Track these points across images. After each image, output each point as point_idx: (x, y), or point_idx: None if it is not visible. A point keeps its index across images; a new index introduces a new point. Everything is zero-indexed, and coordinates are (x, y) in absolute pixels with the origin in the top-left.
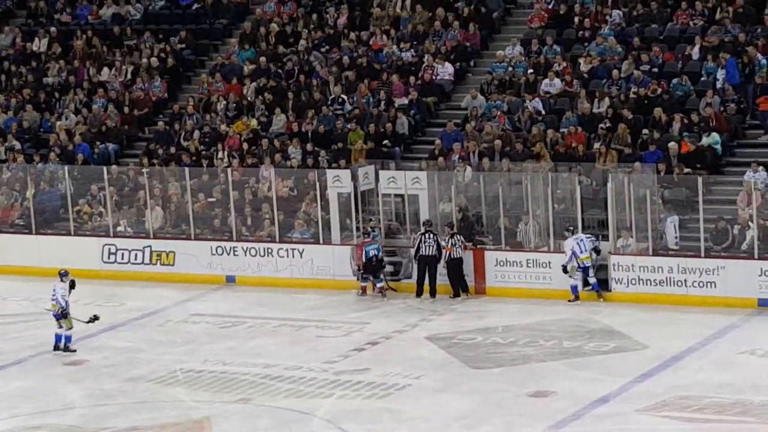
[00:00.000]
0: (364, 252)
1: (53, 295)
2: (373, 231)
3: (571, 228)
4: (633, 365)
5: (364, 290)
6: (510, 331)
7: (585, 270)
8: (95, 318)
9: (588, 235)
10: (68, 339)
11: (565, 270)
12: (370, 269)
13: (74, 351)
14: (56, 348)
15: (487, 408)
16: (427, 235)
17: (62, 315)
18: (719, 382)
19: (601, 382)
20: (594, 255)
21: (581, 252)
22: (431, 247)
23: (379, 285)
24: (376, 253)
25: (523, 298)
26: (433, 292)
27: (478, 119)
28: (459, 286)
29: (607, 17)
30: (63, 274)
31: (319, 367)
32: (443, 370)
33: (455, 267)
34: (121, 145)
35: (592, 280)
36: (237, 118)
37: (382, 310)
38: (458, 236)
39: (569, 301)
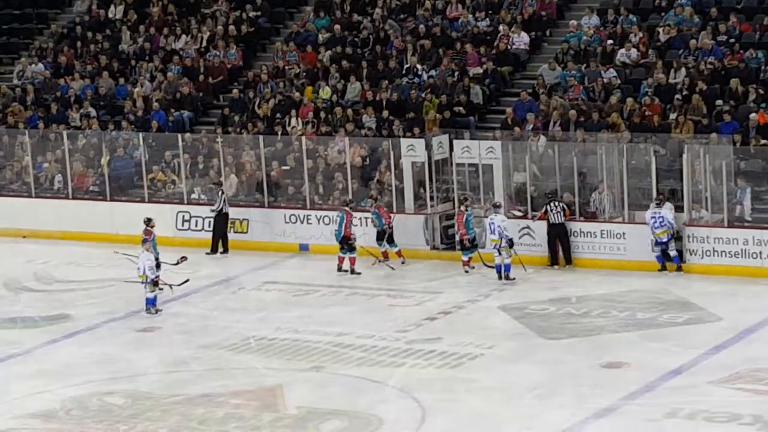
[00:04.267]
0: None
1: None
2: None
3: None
4: (707, 337)
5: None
6: (583, 302)
7: None
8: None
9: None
10: None
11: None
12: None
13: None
14: None
15: (559, 378)
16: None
17: None
18: None
19: (675, 353)
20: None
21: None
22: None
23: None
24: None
25: (596, 268)
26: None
27: (547, 89)
28: (558, 254)
29: None
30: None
31: (392, 336)
32: (516, 340)
33: (557, 234)
34: (195, 113)
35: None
36: (311, 86)
37: (455, 279)
38: (556, 202)
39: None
